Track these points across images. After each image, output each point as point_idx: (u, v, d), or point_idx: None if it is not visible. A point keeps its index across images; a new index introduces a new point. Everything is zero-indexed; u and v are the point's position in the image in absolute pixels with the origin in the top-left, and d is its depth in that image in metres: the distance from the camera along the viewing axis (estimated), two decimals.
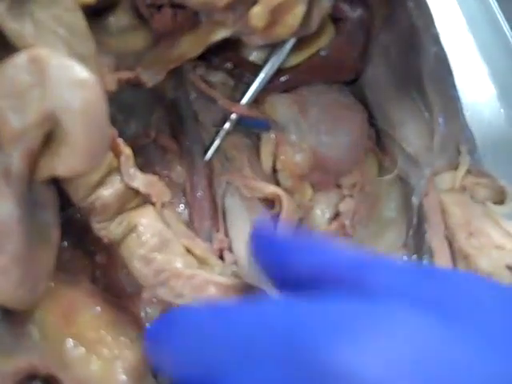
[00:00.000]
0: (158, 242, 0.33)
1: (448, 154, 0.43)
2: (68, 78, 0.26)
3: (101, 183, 0.32)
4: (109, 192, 0.32)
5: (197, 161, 0.41)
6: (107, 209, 0.33)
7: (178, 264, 0.33)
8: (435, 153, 0.43)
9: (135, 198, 0.34)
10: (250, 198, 0.41)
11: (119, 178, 0.33)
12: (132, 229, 0.33)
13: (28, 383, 0.31)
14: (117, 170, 0.33)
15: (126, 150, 0.33)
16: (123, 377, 0.33)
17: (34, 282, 0.30)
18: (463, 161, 0.43)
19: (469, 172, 0.43)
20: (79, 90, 0.26)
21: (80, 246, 0.38)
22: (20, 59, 0.27)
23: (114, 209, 0.33)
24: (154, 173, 0.40)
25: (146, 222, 0.33)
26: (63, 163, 0.27)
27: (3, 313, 0.32)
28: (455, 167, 0.43)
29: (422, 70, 0.43)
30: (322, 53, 0.42)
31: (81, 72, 0.27)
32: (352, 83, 0.46)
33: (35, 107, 0.26)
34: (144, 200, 0.34)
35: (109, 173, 0.32)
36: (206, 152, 0.41)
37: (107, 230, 0.33)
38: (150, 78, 0.39)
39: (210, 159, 0.41)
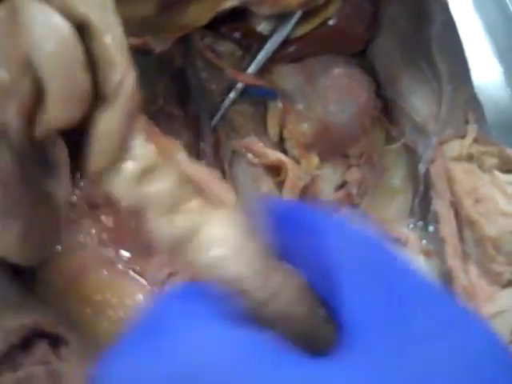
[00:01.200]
0: None
1: (456, 122, 0.43)
2: (42, 23, 0.26)
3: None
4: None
5: (203, 128, 0.41)
6: None
7: None
8: (443, 121, 0.43)
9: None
10: (256, 165, 0.41)
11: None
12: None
13: (34, 342, 0.31)
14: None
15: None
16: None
17: (39, 239, 0.30)
18: (471, 129, 0.42)
19: (476, 141, 0.43)
20: (53, 35, 0.26)
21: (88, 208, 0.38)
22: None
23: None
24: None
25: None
26: (48, 113, 0.27)
27: (13, 272, 0.32)
28: (463, 136, 0.43)
29: (430, 39, 0.43)
30: (330, 23, 0.42)
31: (54, 17, 0.26)
32: (360, 54, 0.46)
33: (14, 56, 0.26)
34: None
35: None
36: (212, 120, 0.42)
37: None
38: (158, 44, 0.39)
39: (217, 128, 0.42)
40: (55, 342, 0.32)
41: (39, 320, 0.31)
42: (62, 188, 0.33)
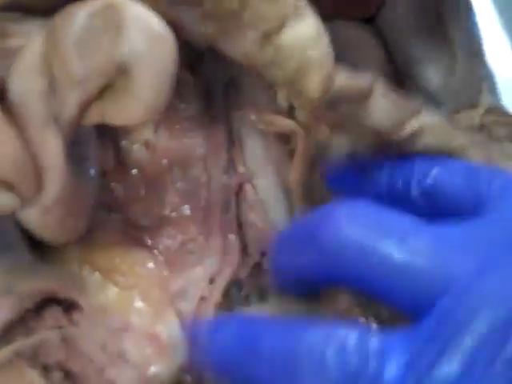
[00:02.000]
0: None
1: (468, 92, 0.43)
2: (144, 29, 0.26)
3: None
4: None
5: (214, 94, 0.41)
6: None
7: None
8: (455, 91, 0.42)
9: None
10: (267, 133, 0.41)
11: None
12: None
13: (46, 307, 0.31)
14: None
15: None
16: (140, 304, 0.34)
17: (74, 220, 0.30)
18: (483, 99, 0.42)
19: (488, 111, 0.42)
20: (154, 43, 0.26)
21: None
22: (94, 5, 0.26)
23: None
24: (170, 106, 0.40)
25: None
26: (121, 112, 0.27)
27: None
28: (475, 105, 0.43)
29: (442, 7, 0.43)
30: None
31: (157, 25, 0.27)
32: (369, 22, 0.46)
33: (104, 55, 0.26)
34: None
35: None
36: (223, 85, 0.41)
37: None
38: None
39: (227, 93, 0.41)
40: (67, 306, 0.32)
41: (52, 285, 0.31)
42: (94, 157, 0.34)
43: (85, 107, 0.28)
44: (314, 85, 0.32)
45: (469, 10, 0.43)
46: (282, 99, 0.43)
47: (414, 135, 0.33)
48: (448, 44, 0.43)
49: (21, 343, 0.29)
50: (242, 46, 0.32)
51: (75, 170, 0.30)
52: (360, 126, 0.34)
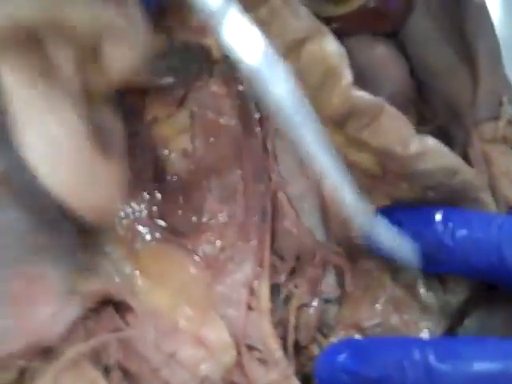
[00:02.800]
0: None
1: (489, 104, 0.44)
2: None
3: None
4: None
5: (248, 104, 0.42)
6: None
7: None
8: (477, 103, 0.44)
9: None
10: None
11: None
12: None
13: (102, 309, 0.32)
14: None
15: None
16: (186, 308, 0.35)
17: (104, 189, 0.31)
18: (505, 111, 0.44)
19: (510, 122, 0.44)
20: None
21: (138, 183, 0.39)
22: None
23: None
24: (205, 116, 0.41)
25: None
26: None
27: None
28: (496, 118, 0.44)
29: (464, 21, 0.44)
30: (371, 4, 0.43)
31: None
32: (391, 35, 0.47)
33: None
34: None
35: None
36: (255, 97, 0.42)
37: None
38: None
39: (259, 104, 0.42)
40: (120, 308, 0.33)
41: (110, 287, 0.32)
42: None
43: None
44: (336, 95, 0.34)
45: (491, 23, 0.44)
46: None
47: (419, 155, 0.35)
48: (471, 58, 0.44)
49: (85, 345, 0.29)
50: None
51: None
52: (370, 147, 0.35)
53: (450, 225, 0.35)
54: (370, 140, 0.34)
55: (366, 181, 0.36)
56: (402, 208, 0.37)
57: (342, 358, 0.34)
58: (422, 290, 0.39)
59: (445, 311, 0.39)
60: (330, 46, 0.34)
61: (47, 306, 0.29)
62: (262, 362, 0.38)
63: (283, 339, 0.38)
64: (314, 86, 0.34)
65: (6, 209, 0.30)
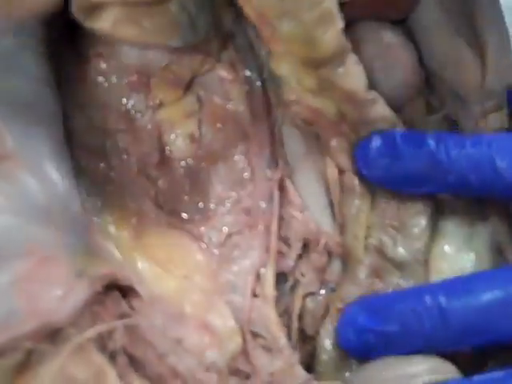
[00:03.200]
0: None
1: (498, 94, 0.44)
2: None
3: None
4: None
5: (254, 90, 0.42)
6: None
7: None
8: (486, 93, 0.43)
9: None
10: (305, 129, 0.42)
11: None
12: None
13: (107, 293, 0.32)
14: None
15: None
16: (192, 294, 0.34)
17: None
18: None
19: None
20: None
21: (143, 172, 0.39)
22: None
23: None
24: (212, 101, 0.41)
25: None
26: None
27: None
28: (501, 108, 0.44)
29: (474, 9, 0.44)
30: None
31: None
32: (399, 23, 0.46)
33: None
34: None
35: None
36: (263, 81, 0.42)
37: None
38: None
39: (267, 89, 0.42)
40: (125, 293, 0.32)
41: (117, 271, 0.31)
42: None
43: None
44: (331, 35, 0.37)
45: (500, 12, 0.44)
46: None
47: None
48: (479, 46, 0.44)
49: (92, 330, 0.29)
50: None
51: None
52: (337, 90, 0.38)
53: (444, 145, 0.38)
54: (338, 81, 0.38)
55: (326, 126, 0.40)
56: (396, 132, 0.40)
57: (362, 319, 0.36)
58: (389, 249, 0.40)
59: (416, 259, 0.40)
60: None
61: (56, 288, 0.29)
62: (267, 349, 0.38)
63: (288, 327, 0.38)
64: (309, 25, 0.36)
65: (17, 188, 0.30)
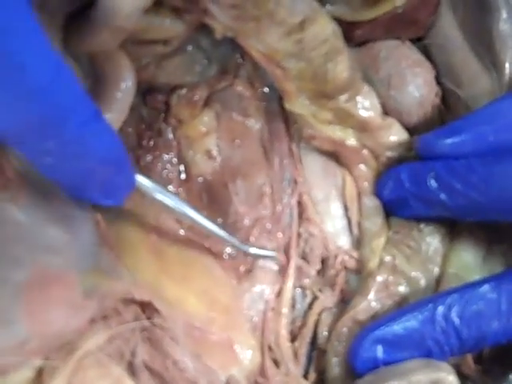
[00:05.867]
0: None
1: None
2: None
3: None
4: None
5: (273, 106, 0.42)
6: None
7: None
8: None
9: None
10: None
11: None
12: None
13: (126, 307, 0.32)
14: None
15: None
16: (212, 311, 0.35)
17: None
18: None
19: None
20: None
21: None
22: None
23: None
24: (230, 117, 0.41)
25: None
26: None
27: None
28: None
29: (491, 30, 0.44)
30: (399, 10, 0.43)
31: None
32: (417, 41, 0.47)
33: None
34: None
35: None
36: (281, 98, 0.42)
37: None
38: None
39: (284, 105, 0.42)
40: (146, 309, 0.32)
41: (131, 288, 0.32)
42: None
43: None
44: (342, 67, 0.38)
45: None
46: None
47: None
48: (496, 66, 0.44)
49: (102, 336, 0.29)
50: (265, 41, 0.36)
51: None
52: (352, 118, 0.40)
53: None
54: (353, 110, 0.40)
55: (348, 154, 0.41)
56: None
57: (376, 351, 0.35)
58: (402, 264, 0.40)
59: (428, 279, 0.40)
60: (329, 27, 0.37)
61: (63, 308, 0.29)
62: (275, 362, 0.38)
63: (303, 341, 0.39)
64: (320, 62, 0.37)
65: (22, 206, 0.30)
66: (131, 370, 0.30)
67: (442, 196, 0.37)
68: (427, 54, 0.47)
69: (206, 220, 0.35)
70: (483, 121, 0.39)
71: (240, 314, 0.36)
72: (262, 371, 0.36)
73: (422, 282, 0.40)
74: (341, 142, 0.40)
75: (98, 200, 0.32)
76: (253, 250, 0.38)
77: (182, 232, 0.38)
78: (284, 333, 0.38)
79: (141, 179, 0.33)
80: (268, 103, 0.42)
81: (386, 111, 0.43)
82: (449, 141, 0.38)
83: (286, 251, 0.40)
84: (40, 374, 0.29)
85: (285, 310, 0.38)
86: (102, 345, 0.29)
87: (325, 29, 0.36)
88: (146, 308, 0.32)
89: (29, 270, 0.29)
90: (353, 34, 0.43)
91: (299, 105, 0.39)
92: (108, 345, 0.30)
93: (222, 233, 0.36)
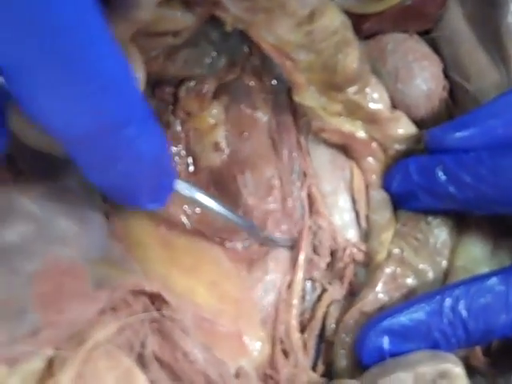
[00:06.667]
0: None
1: None
2: None
3: None
4: None
5: (281, 99, 0.42)
6: None
7: None
8: None
9: None
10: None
11: None
12: None
13: (136, 298, 0.32)
14: None
15: None
16: (221, 302, 0.35)
17: None
18: None
19: None
20: None
21: None
22: None
23: None
24: (239, 110, 0.41)
25: None
26: None
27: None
28: None
29: (500, 24, 0.44)
30: (407, 3, 0.43)
31: None
32: (425, 34, 0.47)
33: None
34: None
35: None
36: (289, 90, 0.42)
37: None
38: None
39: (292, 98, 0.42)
40: (156, 300, 0.33)
41: (140, 280, 0.32)
42: None
43: None
44: (352, 58, 0.38)
45: None
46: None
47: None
48: (504, 60, 0.44)
49: (112, 326, 0.29)
50: (275, 32, 0.36)
51: None
52: (362, 111, 0.40)
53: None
54: (363, 102, 0.40)
55: (358, 146, 0.41)
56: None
57: (383, 342, 0.35)
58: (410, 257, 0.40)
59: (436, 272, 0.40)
60: (339, 18, 0.37)
61: (73, 301, 0.29)
62: (285, 353, 0.38)
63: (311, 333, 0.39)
64: (330, 54, 0.37)
65: (34, 197, 0.30)
66: (141, 361, 0.30)
67: (451, 188, 0.37)
68: (435, 47, 0.47)
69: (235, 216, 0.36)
70: (492, 114, 0.39)
71: (250, 305, 0.36)
72: (272, 363, 0.36)
73: (430, 275, 0.40)
74: (350, 135, 0.40)
75: (144, 204, 0.32)
76: (270, 237, 0.39)
77: (190, 224, 0.38)
78: (294, 324, 0.38)
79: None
80: (276, 96, 0.42)
81: (394, 104, 0.43)
82: (458, 134, 0.38)
83: (297, 243, 0.40)
84: (51, 364, 0.29)
85: (295, 301, 0.38)
86: (111, 336, 0.30)
87: (334, 20, 0.36)
88: (156, 300, 0.32)
89: (41, 261, 0.29)
90: (361, 27, 0.43)
91: (309, 97, 0.39)
92: (117, 336, 0.30)
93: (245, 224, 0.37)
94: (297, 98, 0.39)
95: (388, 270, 0.40)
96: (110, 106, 0.25)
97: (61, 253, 0.29)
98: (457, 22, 0.45)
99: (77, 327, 0.28)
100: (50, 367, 0.29)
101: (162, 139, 0.29)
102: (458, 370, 0.33)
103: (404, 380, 0.32)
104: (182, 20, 0.36)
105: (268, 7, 0.34)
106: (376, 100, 0.40)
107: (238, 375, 0.33)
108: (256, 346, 0.34)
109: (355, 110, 0.40)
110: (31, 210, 0.29)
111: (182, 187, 0.34)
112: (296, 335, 0.38)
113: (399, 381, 0.32)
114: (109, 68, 0.24)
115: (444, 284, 0.40)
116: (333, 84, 0.38)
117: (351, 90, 0.39)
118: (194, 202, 0.35)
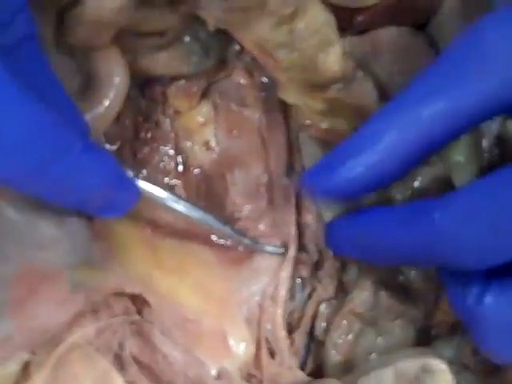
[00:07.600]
0: None
1: None
2: None
3: None
4: None
5: (271, 96, 0.42)
6: None
7: None
8: None
9: None
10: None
11: None
12: None
13: (116, 300, 0.32)
14: None
15: None
16: (206, 302, 0.35)
17: None
18: None
19: None
20: None
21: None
22: None
23: None
24: (229, 108, 0.41)
25: None
26: None
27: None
28: None
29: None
30: None
31: None
32: (420, 28, 0.46)
33: None
34: None
35: None
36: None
37: None
38: None
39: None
40: (137, 302, 0.33)
41: (121, 282, 0.32)
42: None
43: None
44: (334, 58, 0.37)
45: None
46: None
47: None
48: None
49: (89, 328, 0.29)
50: (256, 31, 0.35)
51: None
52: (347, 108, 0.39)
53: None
54: (348, 99, 0.39)
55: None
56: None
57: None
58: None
59: None
60: (321, 16, 0.36)
61: (47, 305, 0.29)
62: (271, 352, 0.38)
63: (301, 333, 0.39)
64: (311, 53, 0.36)
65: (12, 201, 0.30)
66: (119, 363, 0.30)
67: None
68: (431, 40, 0.46)
69: (215, 221, 0.36)
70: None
71: (235, 305, 0.36)
72: (257, 363, 0.36)
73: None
74: (335, 131, 0.39)
75: (97, 214, 0.31)
76: (261, 247, 0.38)
77: (176, 225, 0.38)
78: (280, 322, 0.38)
79: (146, 187, 0.33)
80: (267, 93, 0.42)
81: (389, 99, 0.43)
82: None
83: (285, 241, 0.39)
84: (26, 367, 0.30)
85: (281, 298, 0.38)
86: (90, 338, 0.30)
87: (316, 19, 0.35)
88: (137, 301, 0.32)
89: (16, 265, 0.29)
90: (353, 21, 0.43)
91: (292, 95, 0.38)
92: (96, 338, 0.30)
93: (231, 233, 0.37)
94: (281, 96, 0.39)
95: None
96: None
97: (37, 257, 0.29)
98: (452, 16, 0.45)
99: (52, 331, 0.29)
100: (26, 370, 0.29)
101: (105, 163, 0.29)
102: (441, 365, 0.32)
103: (384, 377, 0.32)
104: (167, 20, 0.36)
105: (246, 6, 0.33)
106: (363, 94, 0.39)
107: (219, 376, 0.32)
108: (240, 346, 0.34)
109: (340, 107, 0.39)
110: (6, 213, 0.29)
111: (149, 193, 0.33)
112: (282, 333, 0.38)
113: (379, 378, 0.32)
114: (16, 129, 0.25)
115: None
116: (313, 82, 0.37)
117: (335, 86, 0.38)
118: (167, 209, 0.34)
